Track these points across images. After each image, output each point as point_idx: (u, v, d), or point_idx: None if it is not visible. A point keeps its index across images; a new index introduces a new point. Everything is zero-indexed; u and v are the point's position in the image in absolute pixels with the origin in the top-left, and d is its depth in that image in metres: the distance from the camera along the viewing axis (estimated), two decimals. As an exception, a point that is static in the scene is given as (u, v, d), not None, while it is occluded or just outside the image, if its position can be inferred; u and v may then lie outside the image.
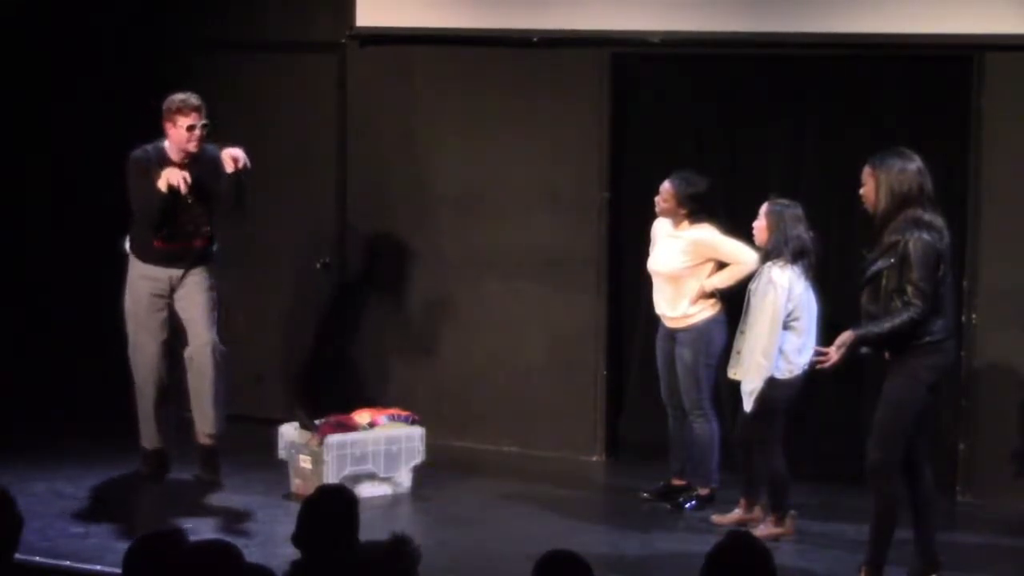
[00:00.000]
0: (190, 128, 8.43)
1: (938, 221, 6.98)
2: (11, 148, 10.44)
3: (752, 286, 7.97)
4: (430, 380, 9.97)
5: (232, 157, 8.33)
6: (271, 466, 8.78)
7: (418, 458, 8.79)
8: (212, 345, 8.62)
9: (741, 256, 8.27)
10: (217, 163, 8.42)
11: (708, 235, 8.39)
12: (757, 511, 8.15)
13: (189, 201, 8.35)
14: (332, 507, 5.20)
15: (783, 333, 7.82)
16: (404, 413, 8.94)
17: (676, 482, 8.59)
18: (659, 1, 9.32)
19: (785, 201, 7.97)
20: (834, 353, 6.94)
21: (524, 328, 9.80)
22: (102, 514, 8.13)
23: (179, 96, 8.48)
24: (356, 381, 10.13)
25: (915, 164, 7.02)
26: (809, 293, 7.91)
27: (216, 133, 8.62)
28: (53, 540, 7.60)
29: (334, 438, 8.51)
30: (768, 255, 7.90)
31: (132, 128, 10.11)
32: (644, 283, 8.81)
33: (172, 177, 8.24)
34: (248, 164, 8.36)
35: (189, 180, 8.26)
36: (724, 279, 8.34)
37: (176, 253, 8.58)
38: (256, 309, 10.35)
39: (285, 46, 10.24)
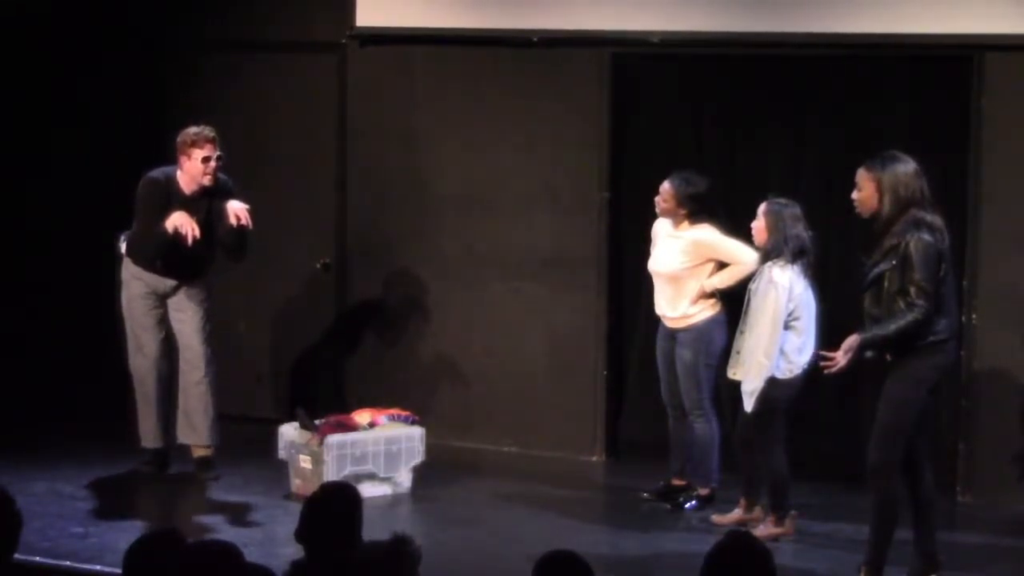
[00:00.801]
0: (205, 160, 8.47)
1: (938, 222, 6.98)
2: (11, 148, 10.43)
3: (752, 286, 7.97)
4: (430, 380, 9.97)
5: (235, 213, 8.37)
6: (271, 466, 8.78)
7: (418, 458, 8.79)
8: (205, 359, 8.66)
9: (741, 256, 8.27)
10: (231, 195, 8.49)
11: (708, 235, 8.39)
12: (757, 511, 8.15)
13: (190, 244, 8.33)
14: (336, 504, 5.20)
15: (783, 333, 7.82)
16: (404, 413, 8.93)
17: (676, 482, 8.59)
18: (659, 1, 9.32)
19: (783, 200, 7.97)
20: (840, 357, 6.93)
21: (524, 328, 9.80)
22: (102, 514, 8.14)
23: (193, 129, 8.52)
24: (356, 381, 10.14)
25: (912, 166, 7.02)
26: (809, 292, 7.91)
27: (218, 133, 8.62)
28: (53, 540, 7.59)
29: (334, 438, 8.51)
30: (768, 255, 7.90)
31: (132, 128, 10.16)
32: (644, 283, 8.81)
33: (183, 226, 8.25)
34: (250, 223, 8.39)
35: (197, 233, 8.27)
36: (724, 279, 8.34)
37: (171, 274, 8.63)
38: (256, 309, 10.36)
39: (285, 46, 10.24)
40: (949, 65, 8.97)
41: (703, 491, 8.47)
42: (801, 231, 7.87)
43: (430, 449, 8.86)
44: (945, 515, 8.06)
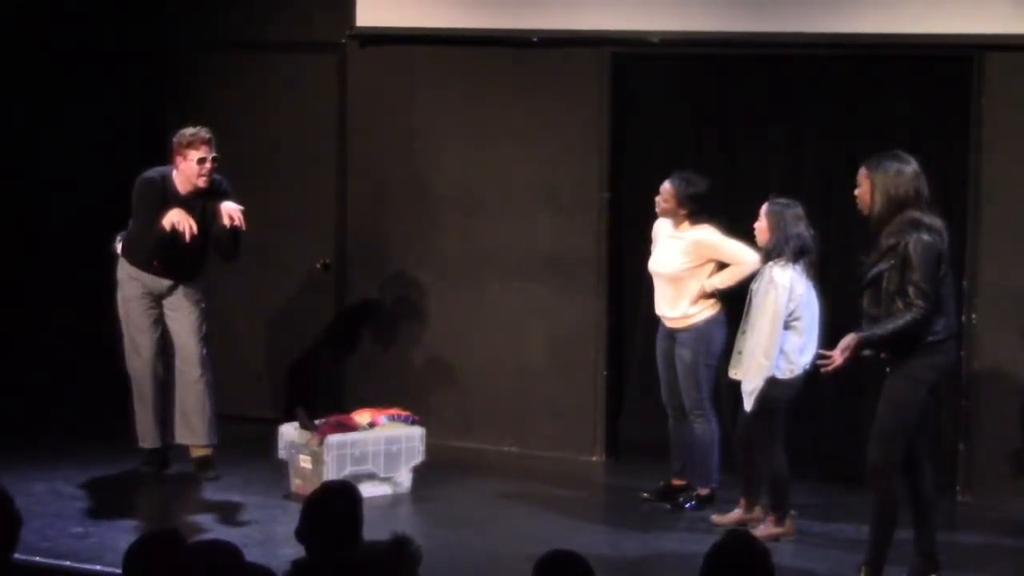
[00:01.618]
0: (200, 161, 8.48)
1: (937, 222, 6.97)
2: (11, 148, 10.43)
3: (753, 286, 7.97)
4: (430, 380, 9.97)
5: (229, 214, 8.37)
6: (271, 466, 8.78)
7: (418, 458, 8.79)
8: (200, 360, 8.66)
9: (742, 256, 8.26)
10: (227, 196, 8.50)
11: (709, 235, 8.38)
12: (757, 511, 8.15)
13: (188, 240, 8.33)
14: (336, 504, 5.20)
15: (784, 333, 7.81)
16: (404, 413, 8.93)
17: (676, 482, 8.59)
18: (659, 1, 9.32)
19: (785, 200, 7.97)
20: (838, 357, 6.92)
21: (524, 328, 9.80)
22: (102, 514, 8.13)
23: (189, 130, 8.53)
24: (356, 381, 10.13)
25: (911, 167, 7.00)
26: (810, 292, 7.91)
27: (218, 133, 8.63)
28: (53, 540, 7.59)
29: (334, 438, 8.51)
30: (769, 255, 7.90)
31: (132, 128, 10.15)
32: (644, 283, 8.81)
33: (180, 223, 8.26)
34: (243, 224, 8.39)
35: (195, 230, 8.28)
36: (725, 279, 8.33)
37: (168, 274, 8.63)
38: (256, 309, 10.36)
39: (285, 46, 10.24)
40: (949, 65, 8.97)
41: (703, 491, 8.46)
42: (803, 231, 7.87)
43: (430, 449, 8.86)
44: (945, 515, 8.06)
